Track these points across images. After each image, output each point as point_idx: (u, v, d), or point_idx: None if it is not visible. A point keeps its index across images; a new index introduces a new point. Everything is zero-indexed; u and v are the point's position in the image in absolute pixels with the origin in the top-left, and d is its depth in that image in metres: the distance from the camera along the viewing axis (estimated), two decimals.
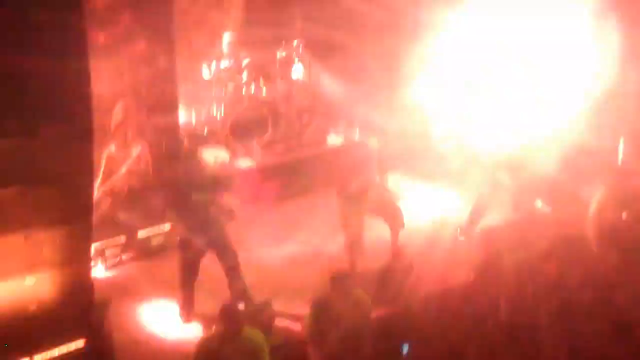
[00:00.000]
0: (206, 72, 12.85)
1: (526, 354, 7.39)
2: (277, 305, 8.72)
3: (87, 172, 7.63)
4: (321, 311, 8.01)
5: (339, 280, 8.04)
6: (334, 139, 13.10)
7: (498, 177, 10.64)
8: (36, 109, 6.98)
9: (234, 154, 12.12)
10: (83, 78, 7.23)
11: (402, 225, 10.16)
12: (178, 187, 9.02)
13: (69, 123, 7.19)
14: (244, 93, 12.68)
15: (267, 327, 8.28)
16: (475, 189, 11.02)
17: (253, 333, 7.51)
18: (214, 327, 7.85)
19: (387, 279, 9.62)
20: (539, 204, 11.83)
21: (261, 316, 8.44)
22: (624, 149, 12.62)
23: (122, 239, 10.31)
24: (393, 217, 10.10)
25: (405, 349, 7.71)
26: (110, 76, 10.09)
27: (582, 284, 8.49)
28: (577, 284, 8.52)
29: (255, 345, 7.42)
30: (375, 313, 9.07)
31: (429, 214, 11.75)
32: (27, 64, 6.85)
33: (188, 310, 9.12)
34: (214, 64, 12.82)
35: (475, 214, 11.00)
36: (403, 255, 9.98)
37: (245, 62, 12.99)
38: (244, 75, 12.93)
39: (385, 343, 7.89)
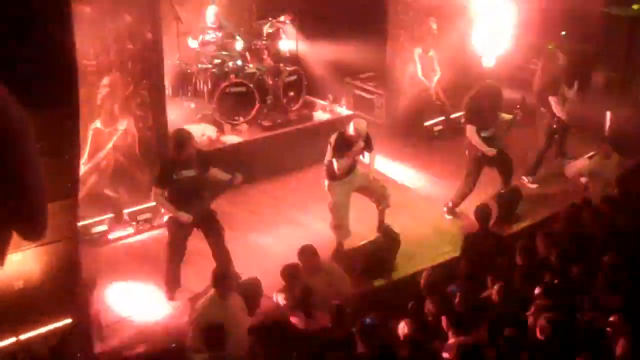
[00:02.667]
0: (192, 43, 12.75)
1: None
2: (265, 282, 8.67)
3: (73, 148, 7.54)
4: (293, 281, 8.26)
5: (305, 254, 8.40)
6: (321, 115, 13.01)
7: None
8: (20, 83, 6.89)
9: (220, 130, 12.04)
10: (68, 52, 7.12)
11: (388, 203, 10.17)
12: (165, 163, 8.97)
13: (53, 98, 7.08)
14: (230, 66, 12.55)
15: (253, 303, 8.28)
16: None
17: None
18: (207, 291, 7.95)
19: (373, 256, 9.66)
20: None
21: (248, 292, 8.42)
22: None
23: (108, 215, 10.24)
24: (380, 196, 10.11)
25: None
26: (96, 50, 9.96)
27: None
28: None
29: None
30: (362, 288, 9.19)
31: (416, 192, 11.78)
32: (10, 37, 6.72)
33: (174, 288, 9.11)
34: (199, 37, 12.72)
35: (462, 192, 11.03)
36: (389, 232, 10.03)
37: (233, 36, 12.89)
38: (229, 48, 12.83)
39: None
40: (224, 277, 7.84)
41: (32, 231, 1.12)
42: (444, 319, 7.31)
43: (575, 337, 6.98)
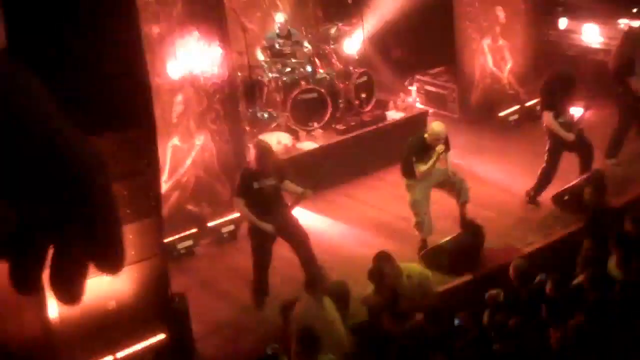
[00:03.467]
0: (260, 54, 12.84)
1: None
2: (351, 284, 8.69)
3: (153, 167, 7.67)
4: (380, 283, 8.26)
5: (383, 261, 8.33)
6: (394, 114, 12.97)
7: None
8: (96, 108, 7.03)
9: (295, 137, 12.10)
10: (141, 72, 7.24)
11: (469, 197, 10.10)
12: (244, 173, 9.07)
13: (130, 119, 7.20)
14: (300, 73, 12.60)
15: (344, 304, 8.32)
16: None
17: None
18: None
19: (458, 252, 9.60)
20: None
21: (337, 294, 8.45)
22: None
23: (193, 230, 10.39)
24: (459, 190, 10.04)
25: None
26: (167, 69, 10.12)
27: None
28: None
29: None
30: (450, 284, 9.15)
31: (495, 184, 11.65)
32: (84, 62, 6.86)
33: (262, 296, 9.19)
34: (269, 46, 12.81)
35: (543, 180, 10.88)
36: (472, 226, 9.95)
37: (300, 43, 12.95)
38: (298, 56, 12.89)
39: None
40: (316, 281, 7.95)
41: (112, 265, 1.15)
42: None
43: None
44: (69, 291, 1.28)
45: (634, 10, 13.42)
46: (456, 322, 7.57)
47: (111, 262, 1.29)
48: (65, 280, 1.27)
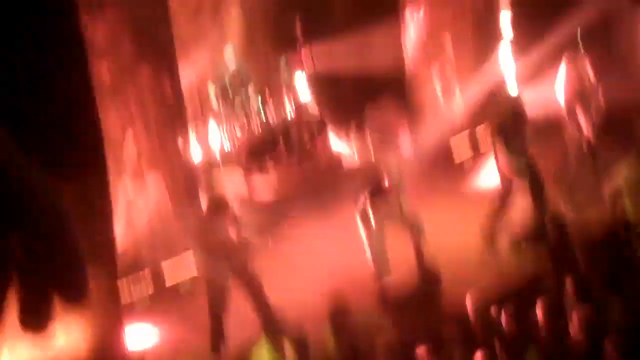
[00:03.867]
0: (211, 88, 12.74)
1: None
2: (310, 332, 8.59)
3: (105, 209, 7.48)
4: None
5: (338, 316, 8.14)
6: (346, 150, 12.93)
7: None
8: (47, 152, 6.86)
9: (249, 180, 11.98)
10: (90, 112, 7.09)
11: (424, 235, 10.07)
12: (199, 221, 8.96)
13: (81, 161, 7.04)
14: (251, 109, 12.54)
15: (303, 350, 8.20)
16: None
17: None
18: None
19: (416, 294, 9.58)
20: None
21: (296, 339, 8.34)
22: None
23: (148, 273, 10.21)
24: (416, 230, 10.01)
25: None
26: (117, 106, 9.96)
27: None
28: None
29: None
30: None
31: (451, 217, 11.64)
32: (34, 105, 6.70)
33: (219, 340, 9.05)
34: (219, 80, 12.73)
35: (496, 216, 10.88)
36: (429, 265, 9.92)
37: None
38: (250, 91, 12.80)
39: None
40: (272, 324, 7.76)
41: (74, 295, 1.10)
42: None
43: None
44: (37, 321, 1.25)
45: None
46: None
47: (74, 292, 1.25)
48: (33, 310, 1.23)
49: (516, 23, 14.24)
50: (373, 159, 11.60)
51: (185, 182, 10.57)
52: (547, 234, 10.33)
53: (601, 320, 7.50)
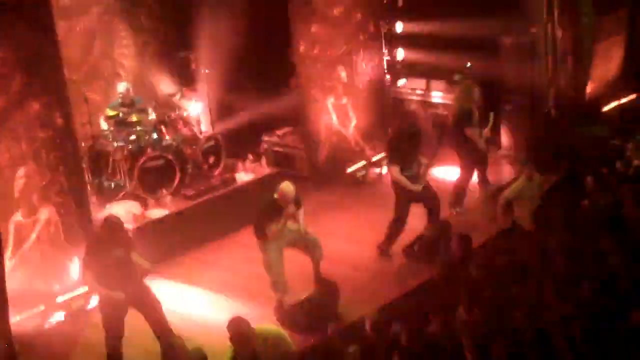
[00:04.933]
0: (104, 124, 12.65)
1: None
2: (208, 350, 8.56)
3: None
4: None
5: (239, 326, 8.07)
6: (243, 176, 12.99)
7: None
8: None
9: (144, 205, 11.92)
10: None
11: (322, 254, 10.19)
12: (91, 246, 8.83)
13: None
14: (146, 141, 12.46)
15: None
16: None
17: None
18: None
19: (314, 309, 9.64)
20: None
21: None
22: None
23: (41, 307, 10.04)
24: (312, 248, 10.12)
25: None
26: (7, 143, 9.84)
27: None
28: None
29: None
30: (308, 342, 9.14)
31: (348, 239, 11.79)
32: None
33: None
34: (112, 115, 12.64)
35: (393, 232, 11.11)
36: (327, 283, 10.03)
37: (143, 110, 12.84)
38: (143, 123, 12.74)
39: None
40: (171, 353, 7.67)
41: None
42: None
43: None
44: None
45: (468, 64, 13.98)
46: None
47: None
48: None
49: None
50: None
51: (80, 214, 10.44)
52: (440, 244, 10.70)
53: (491, 326, 7.75)
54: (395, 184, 10.89)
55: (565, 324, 7.38)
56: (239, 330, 8.07)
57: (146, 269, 8.97)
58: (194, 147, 12.80)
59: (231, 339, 8.12)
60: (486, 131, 12.32)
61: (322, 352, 8.90)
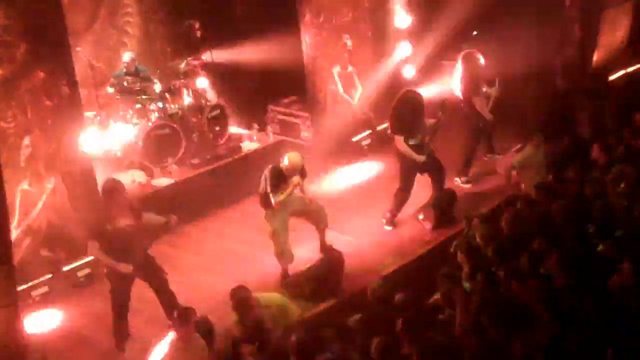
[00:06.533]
0: (110, 90, 12.65)
1: None
2: (214, 319, 8.64)
3: (1, 213, 7.42)
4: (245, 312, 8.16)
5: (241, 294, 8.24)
6: (249, 145, 13.00)
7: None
8: None
9: (150, 174, 11.94)
10: None
11: (327, 223, 10.22)
12: (98, 215, 8.84)
13: None
14: (152, 110, 12.46)
15: (208, 340, 8.22)
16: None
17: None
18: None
19: (319, 278, 9.68)
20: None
21: (201, 330, 8.35)
22: None
23: (48, 276, 10.09)
24: (318, 217, 10.15)
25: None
26: (13, 111, 9.85)
27: None
28: None
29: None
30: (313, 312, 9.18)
31: (353, 208, 11.80)
32: None
33: (123, 339, 8.97)
34: (117, 84, 12.64)
35: (398, 202, 11.11)
36: (332, 252, 10.06)
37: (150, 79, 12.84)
38: (148, 92, 12.75)
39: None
40: (184, 320, 7.73)
41: None
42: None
43: None
44: None
45: (474, 33, 13.92)
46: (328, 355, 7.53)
47: None
48: None
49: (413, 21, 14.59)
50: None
51: (83, 179, 10.45)
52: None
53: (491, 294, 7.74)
54: (400, 153, 10.88)
55: (570, 293, 7.38)
56: (241, 299, 8.16)
57: (164, 224, 8.98)
58: (199, 116, 12.81)
59: (234, 307, 8.21)
60: (494, 92, 12.30)
61: (326, 321, 8.96)
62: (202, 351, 7.80)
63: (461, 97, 12.18)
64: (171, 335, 7.78)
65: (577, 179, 10.08)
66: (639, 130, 11.34)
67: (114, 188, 8.72)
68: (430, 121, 10.95)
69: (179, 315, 7.77)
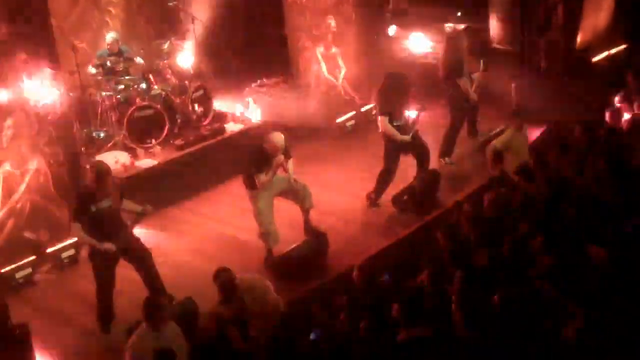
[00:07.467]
0: (92, 70, 12.57)
1: None
2: (198, 300, 8.63)
3: None
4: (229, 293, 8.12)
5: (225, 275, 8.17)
6: (232, 126, 12.97)
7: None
8: None
9: (134, 155, 11.90)
10: None
11: (312, 204, 10.22)
12: (81, 196, 8.78)
13: None
14: (135, 90, 12.41)
15: (190, 324, 8.21)
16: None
17: None
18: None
19: (303, 259, 9.69)
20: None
21: (184, 314, 8.34)
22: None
23: (31, 258, 10.05)
24: (302, 198, 10.14)
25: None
26: None
27: None
28: None
29: None
30: (297, 293, 9.19)
31: (337, 189, 11.81)
32: None
33: (108, 321, 8.94)
34: (100, 64, 12.57)
35: (382, 183, 11.12)
36: (317, 233, 10.07)
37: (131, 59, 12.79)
38: (132, 72, 12.70)
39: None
40: (154, 308, 7.47)
41: None
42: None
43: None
44: None
45: (459, 14, 13.92)
46: (312, 336, 7.54)
47: None
48: None
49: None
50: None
51: (69, 164, 10.42)
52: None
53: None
54: (385, 134, 10.89)
55: (551, 274, 7.42)
56: (224, 281, 8.13)
57: (140, 212, 8.94)
58: (183, 96, 12.77)
59: (218, 288, 8.19)
60: (480, 75, 12.33)
61: (310, 302, 8.98)
62: (177, 339, 7.52)
63: (443, 76, 12.18)
64: (142, 324, 7.60)
65: (558, 162, 10.12)
66: (618, 111, 11.40)
67: (101, 171, 8.62)
68: (415, 106, 10.98)
69: (146, 306, 7.50)
